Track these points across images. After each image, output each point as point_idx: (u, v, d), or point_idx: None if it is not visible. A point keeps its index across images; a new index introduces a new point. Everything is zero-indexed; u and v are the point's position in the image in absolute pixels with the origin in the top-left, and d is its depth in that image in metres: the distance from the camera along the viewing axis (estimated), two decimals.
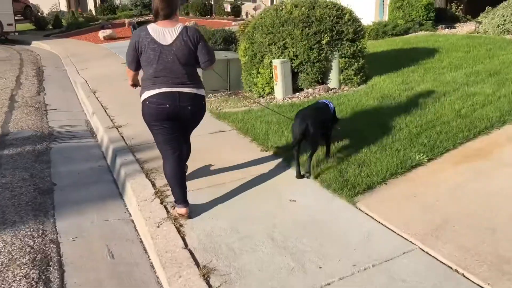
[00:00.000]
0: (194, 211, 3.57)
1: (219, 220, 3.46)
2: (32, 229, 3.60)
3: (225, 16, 22.17)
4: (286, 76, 6.68)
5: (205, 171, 4.36)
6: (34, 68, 12.20)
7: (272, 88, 6.88)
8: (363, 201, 3.62)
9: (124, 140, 5.48)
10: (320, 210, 3.55)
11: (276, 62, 6.64)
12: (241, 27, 9.86)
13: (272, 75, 6.78)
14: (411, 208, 3.48)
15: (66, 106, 7.91)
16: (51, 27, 22.66)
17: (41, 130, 6.32)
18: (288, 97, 6.71)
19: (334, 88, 6.87)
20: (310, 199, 3.74)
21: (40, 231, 3.58)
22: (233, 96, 7.25)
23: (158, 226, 3.45)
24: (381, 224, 3.31)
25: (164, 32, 3.30)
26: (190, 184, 4.02)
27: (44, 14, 25.14)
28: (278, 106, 6.32)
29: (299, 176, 4.06)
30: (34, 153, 5.36)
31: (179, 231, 3.35)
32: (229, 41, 8.42)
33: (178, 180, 3.48)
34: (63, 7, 27.84)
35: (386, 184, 3.87)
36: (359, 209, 3.53)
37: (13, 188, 4.35)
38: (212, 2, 23.97)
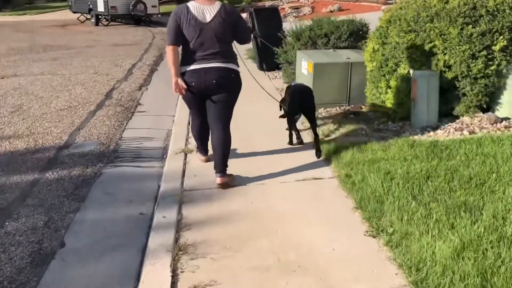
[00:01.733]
0: None
1: None
2: None
3: None
4: (431, 96, 4.55)
5: (262, 256, 2.72)
6: (155, 55, 11.63)
7: (408, 111, 4.79)
8: None
9: (184, 175, 4.08)
10: None
11: (417, 74, 4.54)
12: (386, 13, 7.54)
13: (409, 91, 4.70)
14: None
15: (159, 107, 6.82)
16: None
17: (108, 143, 5.24)
18: (431, 127, 4.57)
19: (506, 119, 4.51)
20: None
21: None
22: (353, 116, 5.30)
23: None
24: None
25: (204, 10, 3.49)
26: (232, 277, 2.43)
27: None
28: (412, 143, 4.23)
29: (291, 143, 4.56)
30: (77, 182, 4.23)
31: None
32: (360, 36, 6.36)
33: (200, 134, 4.12)
34: None
35: None
36: None
37: (8, 246, 3.20)
38: None
